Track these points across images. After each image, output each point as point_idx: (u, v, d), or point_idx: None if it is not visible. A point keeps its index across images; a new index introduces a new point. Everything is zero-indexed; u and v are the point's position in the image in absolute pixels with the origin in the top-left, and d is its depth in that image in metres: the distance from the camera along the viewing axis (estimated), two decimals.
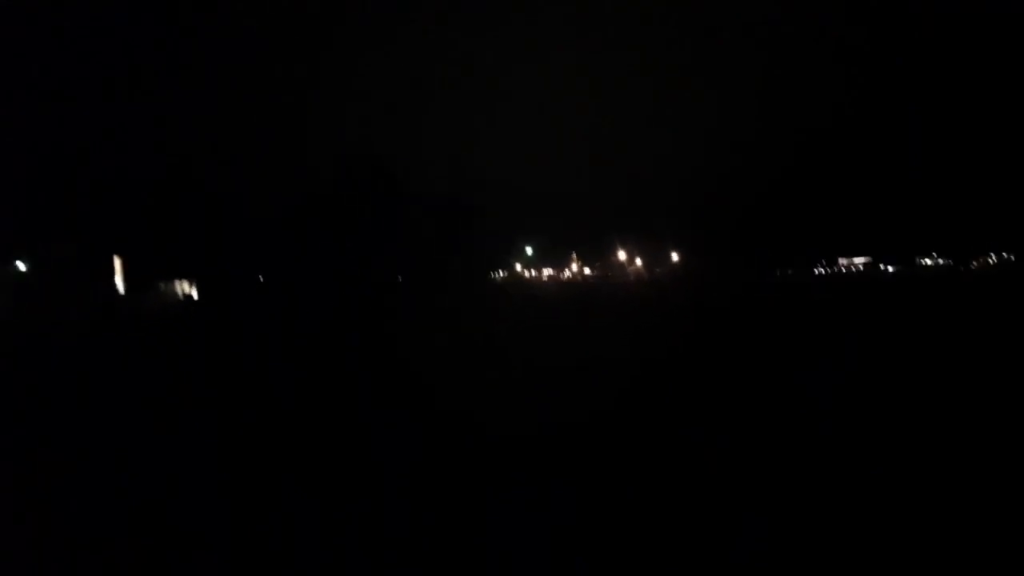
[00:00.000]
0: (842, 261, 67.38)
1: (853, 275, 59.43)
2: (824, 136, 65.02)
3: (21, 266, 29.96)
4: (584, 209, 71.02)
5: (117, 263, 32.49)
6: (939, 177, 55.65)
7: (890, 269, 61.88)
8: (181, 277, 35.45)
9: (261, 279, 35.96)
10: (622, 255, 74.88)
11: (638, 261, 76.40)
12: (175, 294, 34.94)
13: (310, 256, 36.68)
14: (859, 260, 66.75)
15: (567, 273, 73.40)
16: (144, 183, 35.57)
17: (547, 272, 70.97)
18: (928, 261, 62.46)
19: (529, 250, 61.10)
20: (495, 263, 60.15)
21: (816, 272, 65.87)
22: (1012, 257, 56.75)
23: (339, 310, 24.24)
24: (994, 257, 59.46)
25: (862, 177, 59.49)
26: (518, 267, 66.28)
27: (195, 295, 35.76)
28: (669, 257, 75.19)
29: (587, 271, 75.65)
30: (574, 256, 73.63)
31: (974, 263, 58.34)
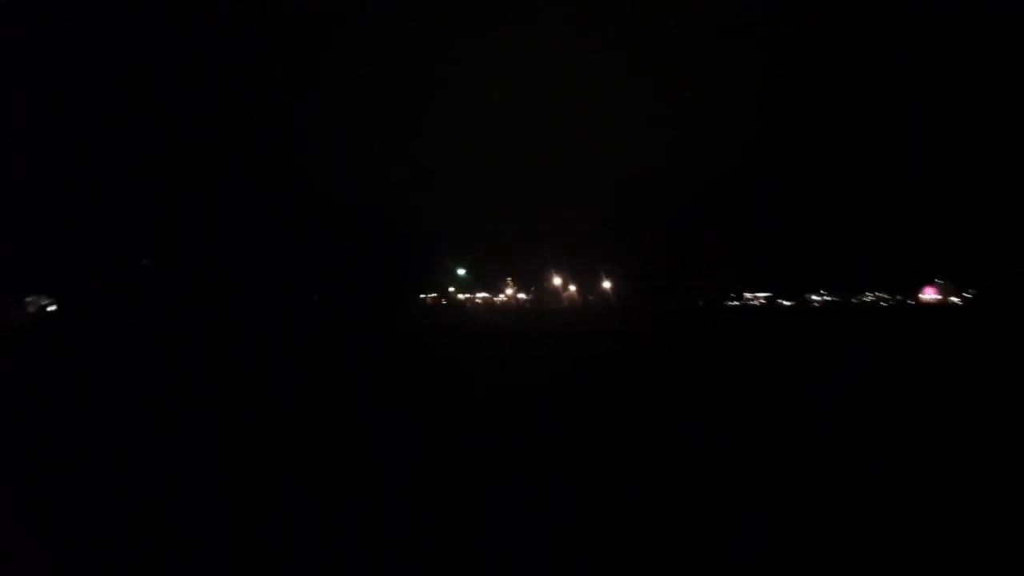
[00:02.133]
0: (747, 295, 75.10)
1: (756, 306, 68.09)
2: (739, 184, 72.70)
3: None
4: (519, 233, 71.43)
5: None
6: (828, 229, 65.09)
7: (785, 303, 69.54)
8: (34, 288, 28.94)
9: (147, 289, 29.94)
10: (557, 281, 75.81)
11: (572, 287, 77.69)
12: (22, 309, 27.86)
13: (197, 264, 32.02)
14: (761, 295, 74.89)
15: (501, 297, 72.68)
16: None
17: (480, 296, 69.79)
18: (816, 297, 70.75)
19: (462, 271, 59.57)
20: (426, 284, 58.06)
21: (727, 303, 72.56)
22: (889, 296, 65.75)
23: (231, 329, 21.08)
24: (870, 296, 68.39)
25: (763, 226, 69.15)
26: (451, 290, 64.52)
27: (52, 308, 28.97)
28: (600, 284, 77.48)
29: (522, 296, 75.44)
30: (509, 280, 73.22)
31: (853, 300, 67.82)
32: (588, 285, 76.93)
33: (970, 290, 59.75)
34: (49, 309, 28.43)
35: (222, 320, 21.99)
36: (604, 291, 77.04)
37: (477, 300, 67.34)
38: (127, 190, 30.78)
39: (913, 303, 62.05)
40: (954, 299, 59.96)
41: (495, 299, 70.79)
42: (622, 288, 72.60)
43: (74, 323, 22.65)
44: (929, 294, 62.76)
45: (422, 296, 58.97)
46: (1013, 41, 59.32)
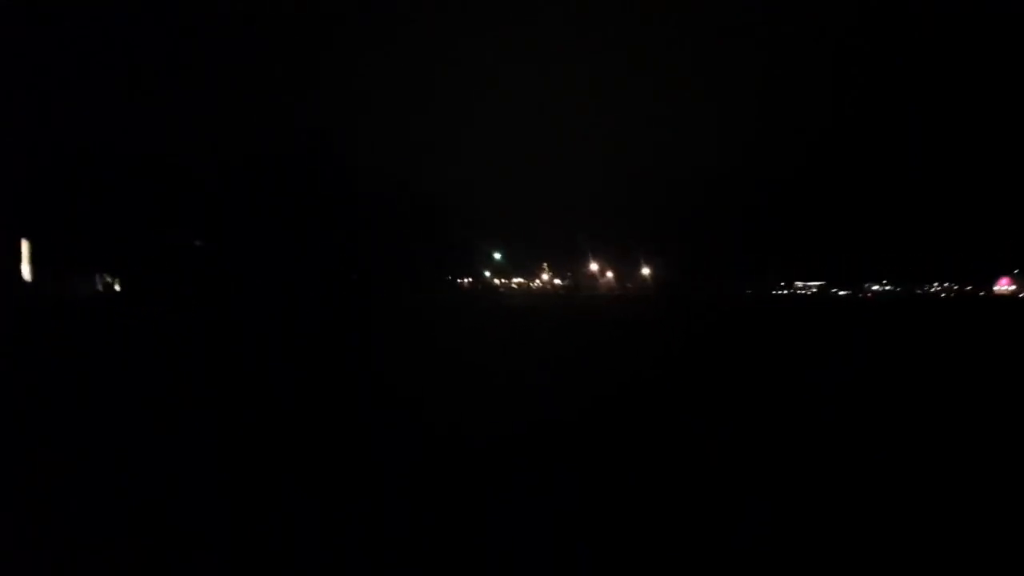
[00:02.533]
0: (798, 284, 70.85)
1: (806, 295, 63.99)
2: (794, 171, 68.62)
3: None
4: (557, 218, 71.02)
5: (25, 248, 28.71)
6: (890, 215, 59.73)
7: (840, 292, 64.88)
8: (103, 267, 31.61)
9: (195, 273, 31.37)
10: (594, 266, 75.05)
11: (609, 274, 76.73)
12: (93, 285, 31.03)
13: (252, 249, 33.58)
14: (814, 284, 70.36)
15: (537, 282, 73.02)
16: (60, 161, 30.63)
17: (516, 280, 70.40)
18: (876, 287, 65.52)
19: (498, 256, 60.05)
20: (462, 268, 59.13)
21: (773, 292, 68.85)
22: (956, 286, 60.19)
23: (283, 309, 22.47)
24: (938, 285, 62.71)
25: (823, 212, 64.29)
26: (487, 274, 65.42)
27: (117, 287, 32.02)
28: (640, 271, 76.01)
29: (558, 281, 75.43)
30: (545, 266, 73.32)
31: (918, 291, 62.14)
32: (627, 272, 75.61)
33: None
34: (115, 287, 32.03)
35: (257, 306, 23.60)
36: (644, 278, 75.44)
37: (513, 285, 68.05)
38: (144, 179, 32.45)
39: (984, 294, 56.51)
40: None
41: (531, 284, 71.26)
42: (663, 276, 70.71)
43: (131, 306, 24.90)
44: (1004, 285, 56.89)
45: (457, 280, 60.18)
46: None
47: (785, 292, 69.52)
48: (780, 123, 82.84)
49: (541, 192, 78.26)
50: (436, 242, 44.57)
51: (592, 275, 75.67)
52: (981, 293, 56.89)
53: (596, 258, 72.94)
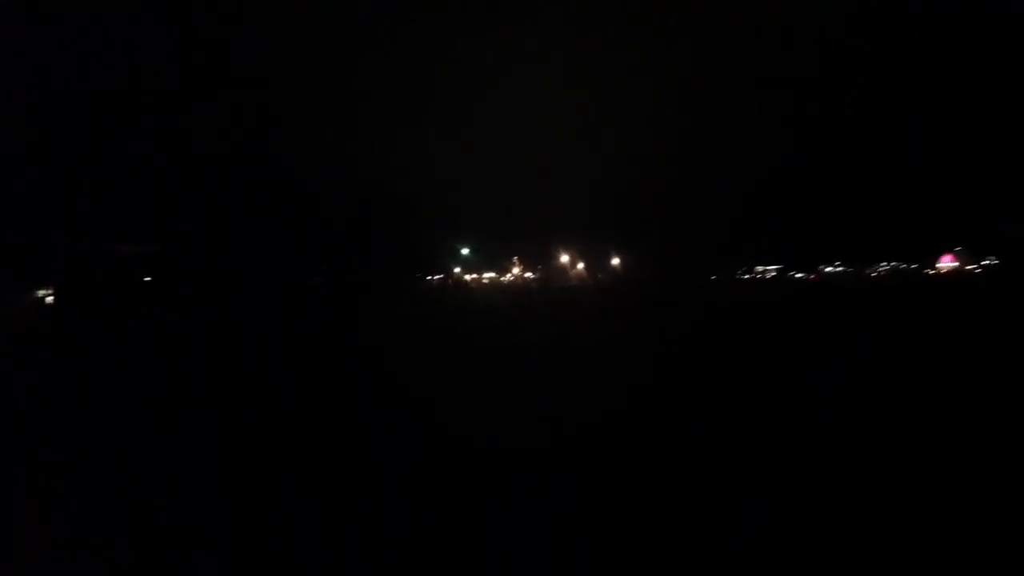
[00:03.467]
0: (758, 268, 73.50)
1: (766, 279, 67.24)
2: (753, 162, 71.14)
3: None
4: (527, 212, 70.45)
5: None
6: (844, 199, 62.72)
7: (797, 275, 67.77)
8: (40, 277, 28.53)
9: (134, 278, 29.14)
10: (565, 259, 74.93)
11: (580, 265, 76.84)
12: (26, 297, 27.50)
13: (207, 254, 31.19)
14: (772, 268, 73.20)
15: (508, 277, 72.25)
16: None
17: (487, 276, 69.45)
18: (830, 269, 68.58)
19: (466, 251, 58.83)
20: (431, 265, 57.79)
21: (737, 277, 71.34)
22: (907, 265, 63.32)
23: (240, 316, 20.86)
24: (886, 265, 65.90)
25: (780, 200, 67.06)
26: (456, 270, 64.22)
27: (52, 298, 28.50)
28: (610, 262, 76.56)
29: (529, 275, 74.91)
30: (515, 260, 72.60)
31: (869, 271, 65.35)
32: (597, 263, 76.03)
33: (989, 258, 56.97)
34: (47, 300, 29.04)
35: (218, 313, 21.98)
36: (614, 268, 76.15)
37: (484, 280, 67.06)
38: (111, 184, 30.71)
39: (931, 272, 59.53)
40: (971, 267, 57.28)
41: (502, 279, 70.42)
42: (632, 265, 71.90)
43: (73, 317, 23.03)
44: (947, 262, 60.06)
45: (428, 277, 58.81)
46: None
47: (746, 277, 71.90)
48: (741, 116, 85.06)
49: (509, 186, 77.66)
50: (402, 240, 43.22)
51: (563, 267, 75.63)
52: (927, 271, 59.83)
53: (567, 250, 72.97)
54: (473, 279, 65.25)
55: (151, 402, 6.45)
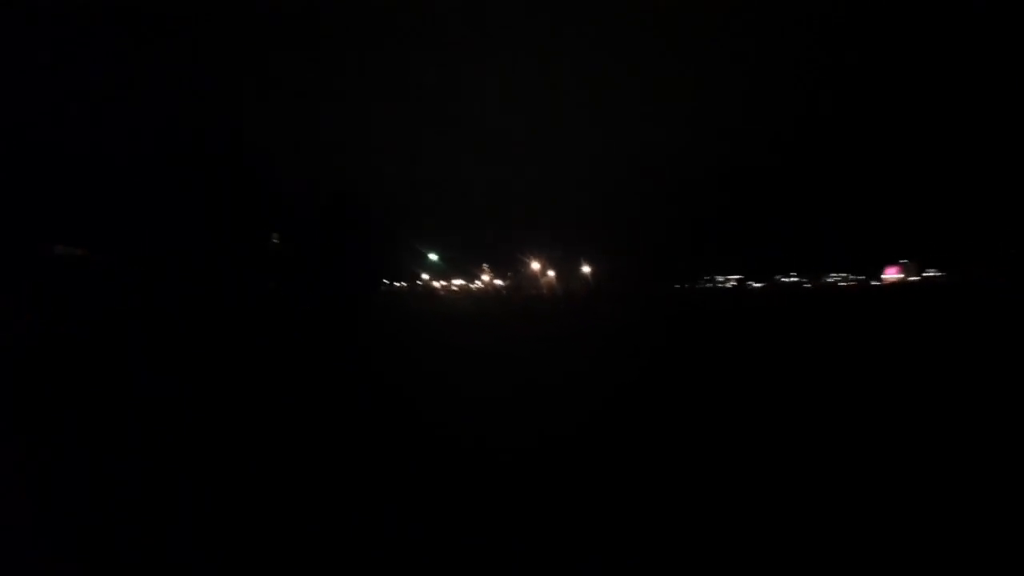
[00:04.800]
0: (719, 278, 75.29)
1: (727, 288, 69.28)
2: (716, 176, 73.09)
3: None
4: (498, 219, 70.15)
5: None
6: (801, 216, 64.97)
7: (755, 285, 69.61)
8: None
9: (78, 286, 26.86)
10: (535, 266, 74.74)
11: (551, 273, 76.74)
12: None
13: (149, 259, 28.88)
14: (733, 278, 75.04)
15: (477, 284, 71.57)
16: None
17: (457, 282, 68.63)
18: (785, 279, 70.68)
19: (435, 257, 57.77)
20: (397, 271, 56.57)
21: (700, 286, 72.87)
22: (858, 277, 65.74)
23: (184, 325, 19.17)
24: (836, 276, 68.20)
25: (740, 213, 69.51)
26: (425, 276, 63.15)
27: None
28: (580, 270, 76.88)
29: (499, 283, 74.39)
30: (485, 267, 72.02)
31: (822, 281, 67.52)
32: (567, 271, 76.24)
33: (930, 270, 59.59)
34: None
35: (153, 324, 20.34)
36: (584, 276, 76.50)
37: (453, 287, 66.13)
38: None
39: (877, 283, 61.67)
40: (914, 278, 59.63)
41: (471, 286, 69.65)
42: (601, 274, 72.62)
43: None
44: (891, 274, 62.36)
45: (396, 284, 57.51)
46: (974, 24, 58.14)
47: (708, 286, 73.28)
48: (707, 129, 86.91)
49: (481, 193, 77.25)
50: (364, 245, 41.91)
51: (533, 275, 75.41)
52: (873, 282, 61.93)
53: (537, 258, 72.84)
54: (442, 286, 64.20)
55: (75, 412, 5.85)
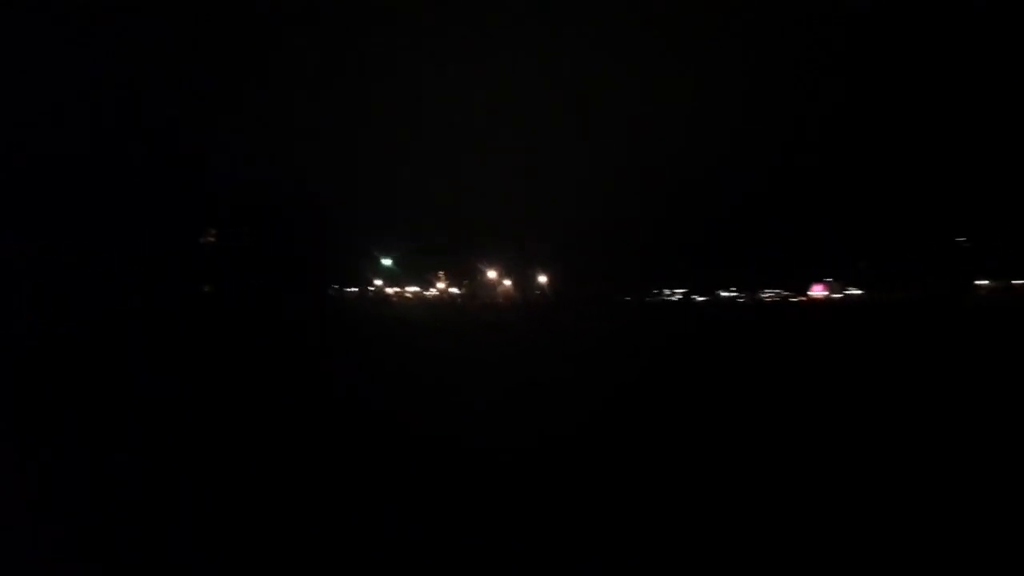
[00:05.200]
0: (666, 291, 78.51)
1: (672, 301, 72.72)
2: (663, 194, 76.38)
3: None
4: (453, 226, 70.12)
5: None
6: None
7: (698, 299, 73.19)
8: None
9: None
10: (492, 274, 75.29)
11: (507, 282, 77.52)
12: None
13: (82, 256, 26.71)
14: (679, 291, 78.47)
15: (432, 291, 71.28)
16: None
17: (411, 289, 68.03)
18: (725, 293, 74.85)
19: (389, 262, 56.99)
20: (349, 276, 55.45)
21: (648, 299, 75.65)
22: (784, 292, 70.71)
23: (112, 328, 17.79)
24: (769, 291, 73.00)
25: (686, 230, 73.20)
26: (378, 282, 62.24)
27: None
28: (535, 279, 78.14)
29: (454, 290, 74.41)
30: (441, 274, 71.88)
31: (759, 296, 72.09)
32: (523, 280, 77.32)
33: (850, 288, 65.16)
34: None
35: (80, 324, 19.02)
36: (539, 286, 77.78)
37: (407, 294, 65.53)
38: None
39: (804, 298, 66.59)
40: (837, 295, 64.97)
41: (426, 293, 69.31)
42: (555, 283, 74.27)
43: None
44: (817, 290, 67.60)
45: (347, 289, 56.26)
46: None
47: (656, 299, 76.27)
48: (655, 148, 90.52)
49: (438, 200, 77.13)
50: (315, 249, 40.94)
51: (490, 283, 75.98)
52: (801, 297, 66.79)
53: (493, 266, 73.50)
54: (396, 292, 63.44)
55: None
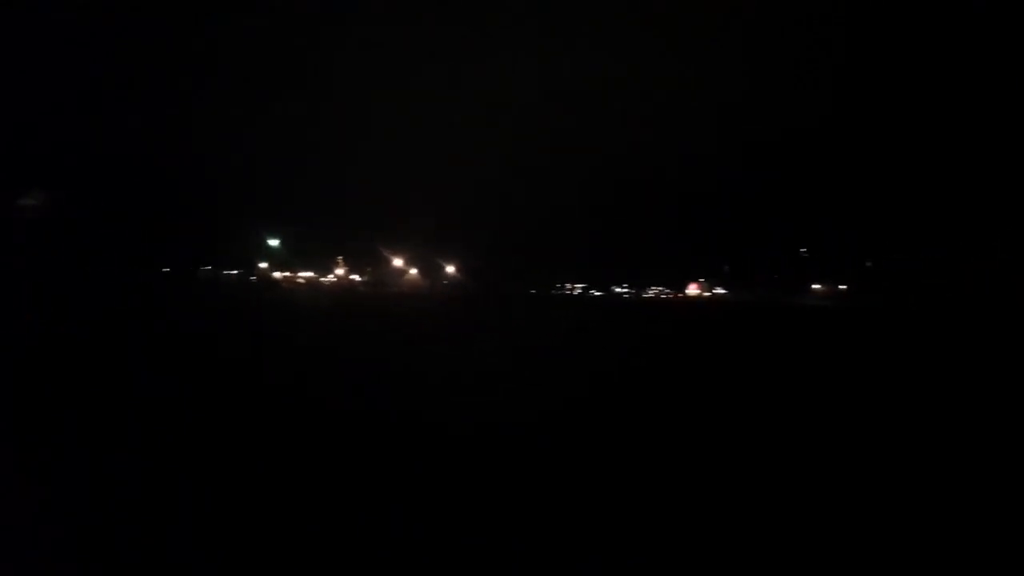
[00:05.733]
0: (567, 286, 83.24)
1: (574, 295, 77.50)
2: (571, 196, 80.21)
3: None
4: (357, 210, 66.64)
5: None
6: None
7: (596, 293, 78.39)
8: None
9: None
10: (398, 262, 73.11)
11: (414, 271, 75.89)
12: None
13: None
14: (579, 286, 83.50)
15: (331, 277, 67.37)
16: None
17: (304, 274, 63.51)
18: (619, 289, 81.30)
19: (275, 242, 52.29)
20: (226, 257, 50.40)
21: (552, 292, 79.57)
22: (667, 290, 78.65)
23: None
24: (655, 289, 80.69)
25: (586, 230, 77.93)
26: (262, 266, 57.22)
27: None
28: (446, 269, 77.55)
29: (356, 277, 71.08)
30: (340, 259, 68.09)
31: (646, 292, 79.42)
32: (430, 269, 76.34)
33: (718, 287, 74.79)
34: None
35: None
36: (448, 276, 77.31)
37: (299, 279, 61.11)
38: None
39: (681, 295, 74.96)
40: (707, 293, 74.22)
41: (322, 279, 65.33)
42: (462, 274, 74.54)
43: None
44: (692, 289, 76.47)
45: (225, 272, 51.04)
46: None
47: (558, 292, 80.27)
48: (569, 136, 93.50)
49: (345, 183, 72.91)
50: (178, 226, 36.45)
51: (396, 271, 73.79)
52: (679, 294, 74.96)
53: (401, 254, 71.49)
54: (285, 277, 58.61)
55: None
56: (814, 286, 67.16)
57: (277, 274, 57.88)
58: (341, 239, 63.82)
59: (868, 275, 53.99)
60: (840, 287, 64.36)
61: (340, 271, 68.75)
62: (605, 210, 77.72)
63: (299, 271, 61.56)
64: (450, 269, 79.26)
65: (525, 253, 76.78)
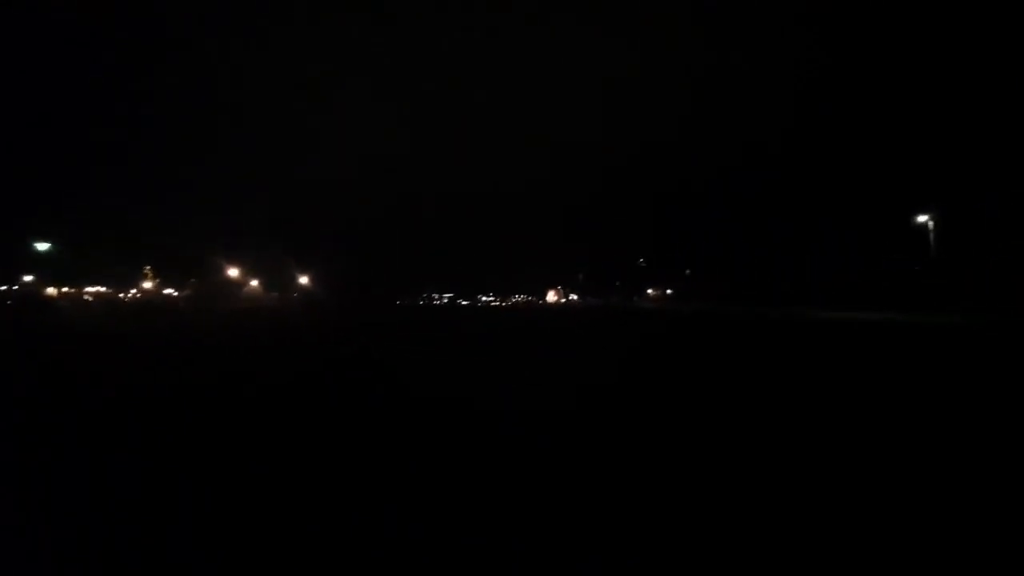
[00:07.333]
0: (435, 295, 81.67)
1: (442, 303, 76.70)
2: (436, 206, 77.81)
3: None
4: (174, 211, 52.13)
5: None
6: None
7: (462, 302, 78.85)
8: None
9: None
10: (233, 272, 59.29)
11: (255, 282, 63.03)
12: None
13: None
14: (447, 295, 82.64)
15: (133, 292, 51.37)
16: None
17: (92, 290, 46.89)
18: (485, 298, 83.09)
19: (45, 246, 36.30)
20: None
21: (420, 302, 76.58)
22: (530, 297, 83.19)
23: None
24: (519, 296, 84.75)
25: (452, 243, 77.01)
26: (27, 279, 40.04)
27: None
28: (298, 280, 66.71)
29: (171, 292, 55.63)
30: (148, 271, 52.48)
31: (509, 301, 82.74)
32: (279, 281, 64.94)
33: (572, 295, 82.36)
34: None
35: None
36: (300, 287, 66.81)
37: (85, 296, 44.73)
38: None
39: (541, 301, 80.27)
40: (563, 300, 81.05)
41: (121, 295, 49.22)
42: (322, 287, 65.64)
43: None
44: (551, 296, 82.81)
45: None
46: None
47: (424, 302, 77.89)
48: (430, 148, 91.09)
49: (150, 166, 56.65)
50: None
51: (230, 282, 59.98)
52: (540, 301, 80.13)
53: (236, 263, 58.32)
54: (61, 293, 41.76)
55: None
56: (648, 291, 78.52)
57: (51, 290, 40.98)
58: (149, 242, 49.31)
59: (688, 281, 64.65)
60: (668, 292, 76.52)
61: (148, 284, 53.14)
62: (476, 222, 78.83)
63: (87, 285, 45.01)
64: (303, 280, 68.94)
65: (392, 265, 72.36)
